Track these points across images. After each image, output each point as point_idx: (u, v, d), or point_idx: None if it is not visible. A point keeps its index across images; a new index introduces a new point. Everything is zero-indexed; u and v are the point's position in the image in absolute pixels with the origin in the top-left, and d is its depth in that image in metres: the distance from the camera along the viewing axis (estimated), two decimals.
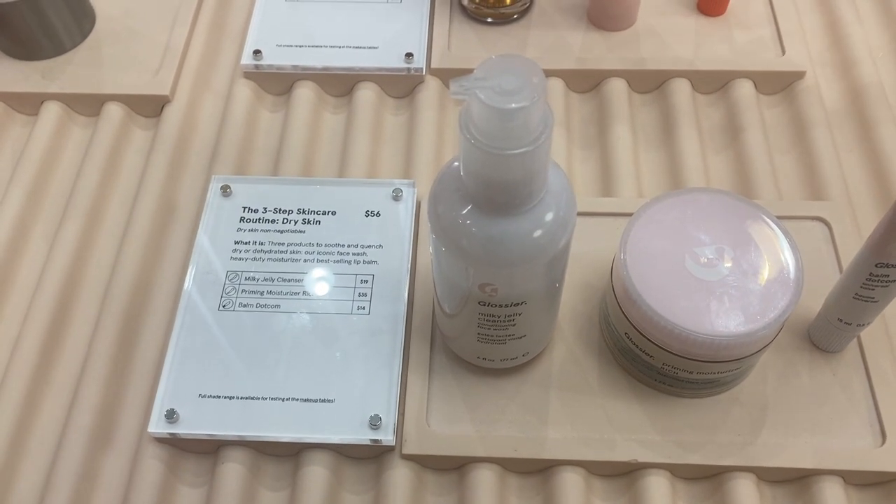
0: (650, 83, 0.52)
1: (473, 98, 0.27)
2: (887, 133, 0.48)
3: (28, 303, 0.44)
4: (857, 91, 0.51)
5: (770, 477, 0.38)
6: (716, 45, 0.52)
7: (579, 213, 0.44)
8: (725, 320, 0.34)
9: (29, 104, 0.52)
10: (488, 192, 0.30)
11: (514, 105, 0.26)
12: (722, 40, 0.52)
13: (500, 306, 0.34)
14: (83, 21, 0.53)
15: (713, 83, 0.52)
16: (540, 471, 0.39)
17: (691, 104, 0.50)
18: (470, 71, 0.27)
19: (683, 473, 0.38)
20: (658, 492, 0.37)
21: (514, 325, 0.35)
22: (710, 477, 0.38)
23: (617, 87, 0.51)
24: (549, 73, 0.52)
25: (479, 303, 0.34)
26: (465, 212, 0.31)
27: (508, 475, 0.39)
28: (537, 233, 0.31)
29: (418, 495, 0.38)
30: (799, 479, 0.38)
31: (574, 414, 0.39)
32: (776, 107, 0.51)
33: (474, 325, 0.36)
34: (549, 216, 0.31)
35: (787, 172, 0.48)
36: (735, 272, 0.35)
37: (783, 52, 0.51)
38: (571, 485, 0.37)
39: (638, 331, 0.36)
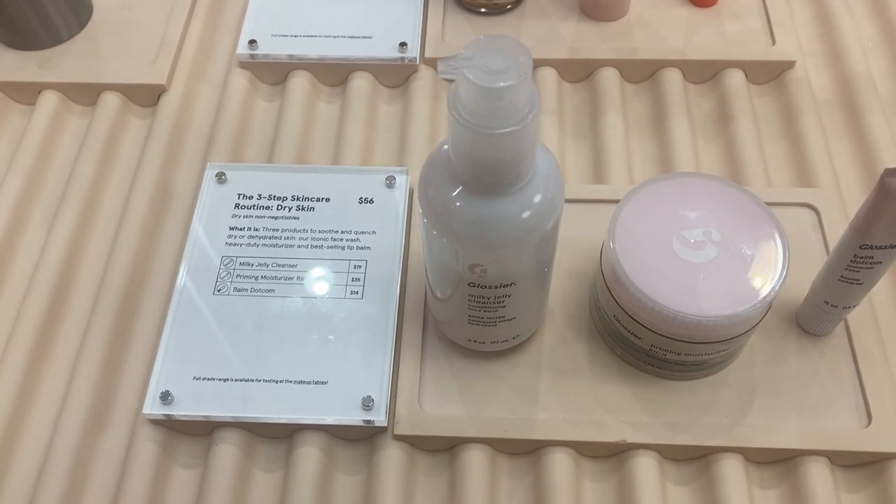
0: (642, 73, 0.52)
1: (461, 77, 0.27)
2: (875, 122, 0.49)
3: (25, 288, 0.44)
4: (847, 80, 0.51)
5: (757, 458, 0.39)
6: (707, 36, 0.52)
7: (571, 201, 0.45)
8: (712, 301, 0.35)
9: (26, 93, 0.52)
10: (477, 173, 0.30)
11: (500, 84, 0.27)
12: (713, 30, 0.53)
13: (490, 287, 0.34)
14: (80, 11, 0.54)
15: (704, 73, 0.52)
16: (530, 452, 0.39)
17: (682, 93, 0.51)
18: None
19: (672, 455, 0.39)
20: (647, 472, 0.38)
21: (504, 306, 0.36)
22: (698, 458, 0.39)
23: (609, 77, 0.52)
24: (541, 63, 0.52)
25: (469, 284, 0.34)
26: (454, 194, 0.31)
27: (499, 456, 0.39)
28: (525, 214, 0.32)
29: (410, 475, 0.38)
30: (786, 460, 0.38)
31: (564, 396, 0.39)
32: (766, 96, 0.52)
33: (465, 308, 0.36)
34: (538, 198, 0.32)
35: (777, 160, 0.49)
36: (722, 254, 0.36)
37: (773, 42, 0.52)
38: (561, 465, 0.38)
39: (626, 312, 0.37)
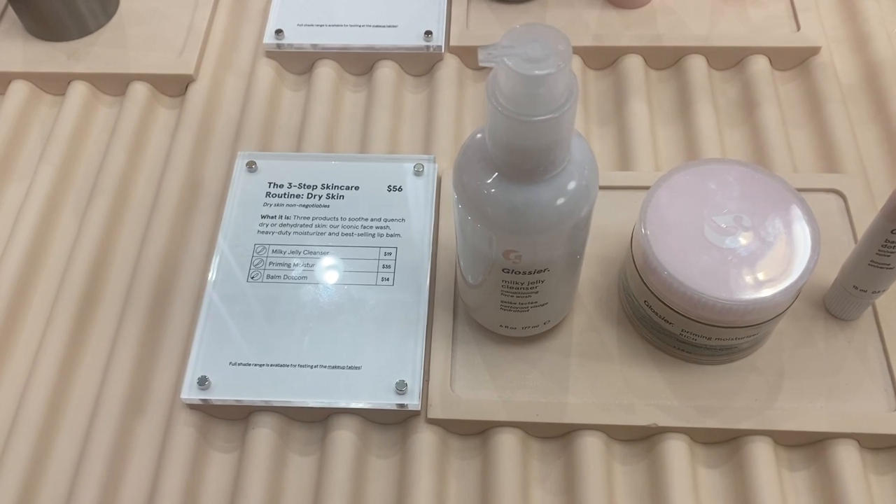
0: (666, 60, 0.52)
1: (501, 65, 0.28)
2: None
3: (60, 277, 0.45)
4: (872, 66, 0.51)
5: (786, 441, 0.39)
6: (731, 22, 0.52)
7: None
8: (743, 286, 0.35)
9: (56, 84, 0.53)
10: (513, 160, 0.31)
11: (540, 72, 0.27)
12: (737, 17, 0.53)
13: (524, 273, 0.35)
14: (107, 2, 0.54)
15: (729, 59, 0.52)
16: (561, 435, 0.40)
17: (707, 80, 0.51)
18: None
19: (702, 438, 0.39)
20: (677, 455, 0.38)
21: (537, 292, 0.36)
22: (728, 441, 0.39)
23: (634, 64, 0.52)
24: None
25: (503, 270, 0.35)
26: (489, 180, 0.32)
27: (530, 439, 0.40)
28: (560, 200, 0.32)
29: (443, 459, 0.39)
30: (814, 443, 0.39)
31: (594, 380, 0.40)
32: (791, 82, 0.52)
33: (498, 294, 0.37)
34: (572, 184, 0.32)
35: (803, 146, 0.49)
36: (753, 239, 0.36)
37: (798, 27, 0.52)
38: (592, 449, 0.38)
39: (657, 298, 0.37)
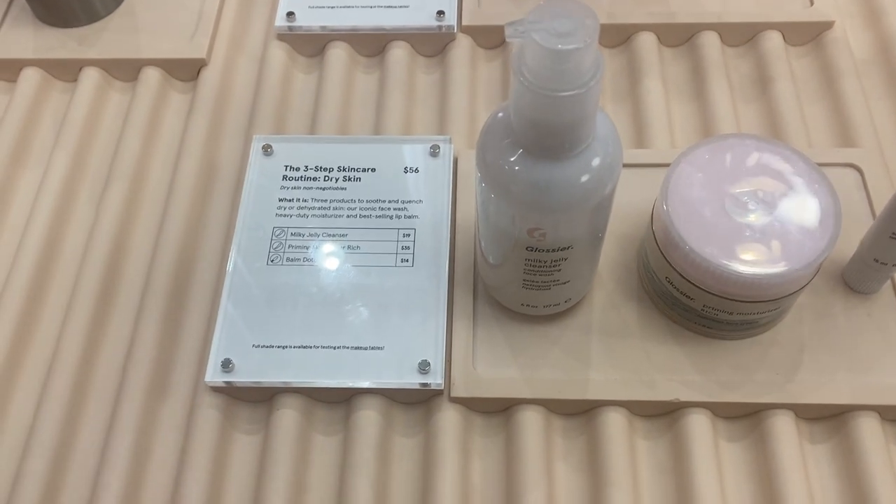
0: (679, 37, 0.52)
1: (529, 40, 0.28)
2: None
3: (79, 264, 0.45)
4: (886, 40, 0.51)
5: (808, 414, 0.39)
6: None
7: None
8: (765, 260, 0.35)
9: (68, 71, 0.53)
10: (538, 136, 0.31)
11: (567, 46, 0.27)
12: None
13: (548, 251, 0.35)
14: None
15: (742, 35, 0.52)
16: (584, 412, 0.40)
17: (721, 57, 0.51)
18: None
19: (724, 412, 0.39)
20: (699, 429, 0.38)
21: (560, 270, 0.36)
22: (750, 415, 0.39)
23: (647, 41, 0.52)
24: None
25: (526, 248, 0.35)
26: (513, 158, 0.32)
27: (553, 416, 0.40)
28: (584, 177, 0.32)
29: (467, 436, 0.39)
30: (836, 416, 0.39)
31: (615, 357, 0.40)
32: (805, 57, 0.52)
33: (520, 272, 0.37)
34: (597, 161, 0.32)
35: (817, 121, 0.49)
36: (774, 214, 0.36)
37: (811, 2, 0.52)
38: (614, 424, 0.39)
39: (679, 274, 0.37)
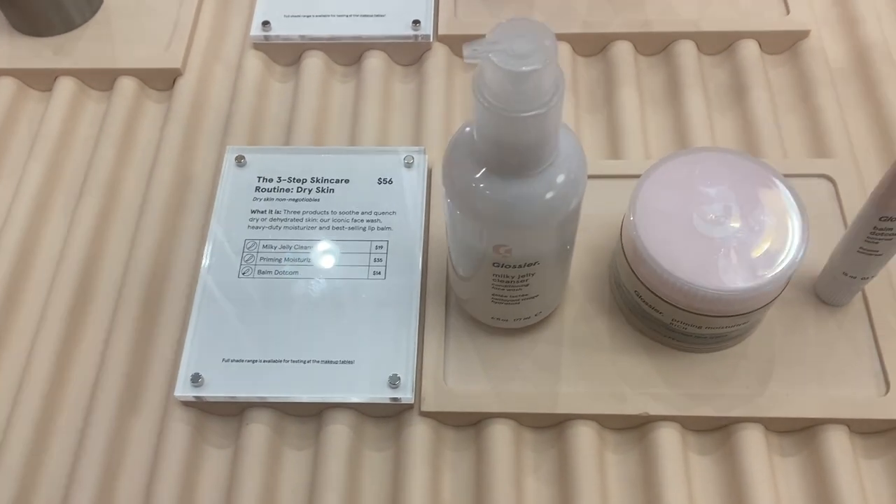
0: (656, 45, 0.52)
1: (487, 62, 0.27)
2: (892, 90, 0.49)
3: (52, 275, 0.45)
4: (862, 49, 0.51)
5: (777, 427, 0.39)
6: (720, 6, 0.52)
7: (588, 177, 0.45)
8: (732, 276, 0.35)
9: (43, 80, 0.52)
10: (501, 155, 0.31)
11: (526, 68, 0.27)
12: (726, 1, 0.52)
13: (514, 267, 0.35)
14: None
15: (718, 44, 0.52)
16: (554, 425, 0.40)
17: (697, 65, 0.51)
18: (477, 37, 0.28)
19: (693, 425, 0.40)
20: (669, 443, 0.38)
21: (528, 285, 0.36)
22: (720, 428, 0.40)
23: (623, 50, 0.52)
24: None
25: (493, 264, 0.35)
26: (478, 175, 0.32)
27: (524, 430, 0.40)
28: (549, 194, 0.32)
29: (437, 450, 0.39)
30: (806, 429, 0.39)
31: (586, 370, 0.40)
32: (781, 66, 0.52)
33: (489, 287, 0.37)
34: (561, 178, 0.32)
35: (793, 131, 0.49)
36: (742, 229, 0.36)
37: (787, 11, 0.52)
38: (584, 438, 0.39)
39: (647, 288, 0.37)
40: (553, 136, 0.31)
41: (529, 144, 0.30)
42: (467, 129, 0.33)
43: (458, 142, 0.33)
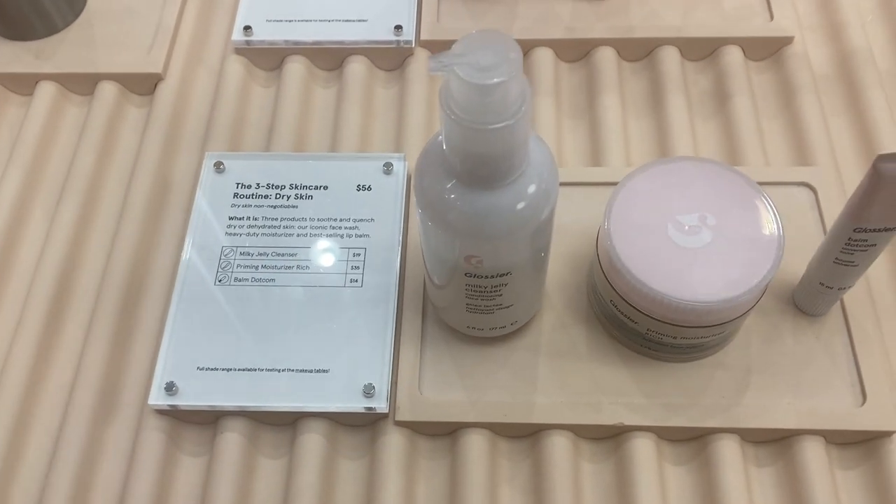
0: (639, 51, 0.52)
1: (452, 75, 0.27)
2: (874, 97, 0.49)
3: (29, 281, 0.45)
4: (846, 55, 0.51)
5: (753, 438, 0.39)
6: (704, 12, 0.52)
7: (568, 184, 0.45)
8: (707, 286, 0.35)
9: (23, 84, 0.52)
10: (470, 167, 0.31)
11: (491, 81, 0.27)
12: (710, 7, 0.52)
13: (486, 277, 0.35)
14: (74, 0, 0.54)
15: (702, 50, 0.52)
16: (529, 435, 0.40)
17: (680, 71, 0.51)
18: None
19: (669, 435, 0.39)
20: (644, 453, 0.38)
21: (501, 295, 0.36)
22: (696, 438, 0.39)
23: (606, 56, 0.51)
24: (538, 44, 0.52)
25: (465, 274, 0.35)
26: (449, 186, 0.32)
27: (499, 439, 0.40)
28: (520, 205, 0.32)
29: (412, 460, 0.39)
30: (782, 439, 0.39)
31: (562, 379, 0.40)
32: (764, 73, 0.51)
33: (462, 296, 0.37)
34: (532, 188, 0.32)
35: (775, 138, 0.49)
36: (717, 239, 0.36)
37: (771, 17, 0.52)
38: (560, 447, 0.39)
39: (622, 298, 0.37)
40: (522, 147, 0.30)
41: (498, 156, 0.30)
42: (439, 138, 0.33)
43: (429, 151, 0.33)
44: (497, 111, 0.28)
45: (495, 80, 0.27)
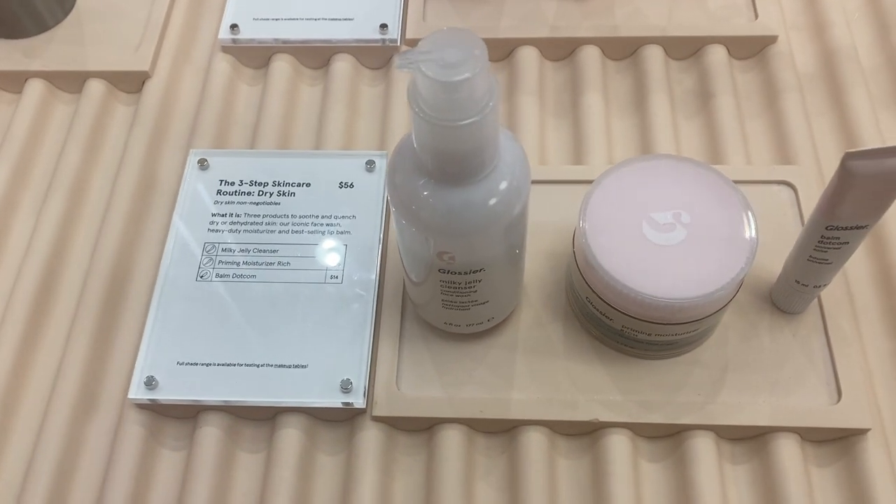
0: (623, 50, 0.52)
1: (418, 72, 0.28)
2: (857, 96, 0.49)
3: (15, 275, 0.45)
4: (830, 54, 0.51)
5: (729, 435, 0.39)
6: (689, 11, 0.52)
7: (549, 182, 0.45)
8: (680, 284, 0.35)
9: (12, 82, 0.53)
10: (440, 164, 0.31)
11: (456, 77, 0.27)
12: (695, 6, 0.52)
13: (460, 273, 0.35)
14: None
15: (686, 49, 0.52)
16: (506, 430, 0.40)
17: (664, 70, 0.51)
18: None
19: (644, 432, 0.40)
20: (619, 450, 0.38)
21: (476, 291, 0.36)
22: (671, 435, 0.40)
23: (590, 55, 0.51)
24: (523, 42, 0.52)
25: (439, 270, 0.35)
26: (420, 183, 0.32)
27: (475, 435, 0.40)
28: (492, 201, 0.32)
29: (389, 455, 0.40)
30: (757, 437, 0.39)
31: (539, 376, 0.40)
32: (749, 72, 0.52)
33: (438, 292, 0.37)
34: (503, 185, 0.32)
35: (757, 137, 0.49)
36: (691, 236, 0.36)
37: (756, 16, 0.52)
38: (536, 444, 0.39)
39: (597, 295, 0.37)
40: (491, 143, 0.31)
41: (467, 152, 0.30)
42: (412, 136, 0.33)
43: (401, 149, 0.33)
44: (464, 107, 0.28)
45: (461, 76, 0.27)
